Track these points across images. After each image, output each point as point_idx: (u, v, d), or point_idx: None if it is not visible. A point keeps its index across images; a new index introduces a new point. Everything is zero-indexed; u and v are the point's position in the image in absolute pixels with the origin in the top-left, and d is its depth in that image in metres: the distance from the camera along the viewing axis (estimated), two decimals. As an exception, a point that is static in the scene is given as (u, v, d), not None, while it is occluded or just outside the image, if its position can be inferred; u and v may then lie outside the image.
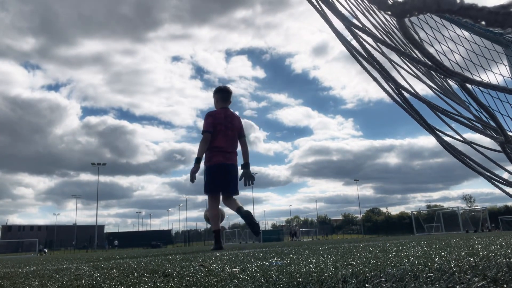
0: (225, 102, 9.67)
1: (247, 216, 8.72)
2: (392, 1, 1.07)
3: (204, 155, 9.22)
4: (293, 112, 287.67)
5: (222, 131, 9.26)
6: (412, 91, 2.13)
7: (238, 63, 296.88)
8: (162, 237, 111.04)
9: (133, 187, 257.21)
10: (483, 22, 1.02)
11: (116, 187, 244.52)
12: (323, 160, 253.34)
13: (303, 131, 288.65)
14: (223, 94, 9.72)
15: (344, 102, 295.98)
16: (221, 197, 9.33)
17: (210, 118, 9.28)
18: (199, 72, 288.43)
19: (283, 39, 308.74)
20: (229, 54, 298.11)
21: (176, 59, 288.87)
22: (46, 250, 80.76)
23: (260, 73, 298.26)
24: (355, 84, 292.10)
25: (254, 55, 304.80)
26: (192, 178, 8.98)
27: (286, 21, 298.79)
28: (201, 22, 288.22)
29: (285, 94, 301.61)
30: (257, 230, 8.66)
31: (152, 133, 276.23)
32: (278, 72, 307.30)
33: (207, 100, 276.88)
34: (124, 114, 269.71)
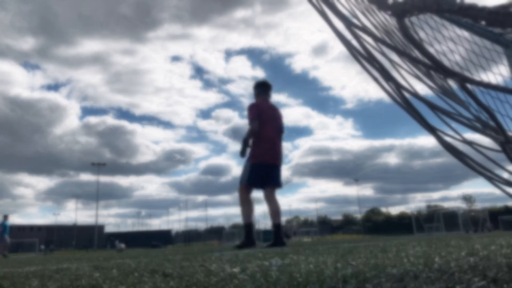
0: (266, 95, 9.64)
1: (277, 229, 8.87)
2: (392, 1, 1.08)
3: (251, 146, 9.16)
4: (293, 112, 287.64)
5: (268, 121, 9.18)
6: (413, 91, 2.13)
7: (238, 63, 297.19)
8: (162, 237, 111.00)
9: (133, 187, 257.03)
10: (483, 22, 1.02)
11: (116, 187, 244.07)
12: (323, 160, 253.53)
13: (303, 131, 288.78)
14: (262, 87, 9.73)
15: (344, 102, 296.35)
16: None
17: (255, 108, 9.21)
18: (198, 72, 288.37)
19: (283, 39, 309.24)
20: (228, 54, 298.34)
21: (175, 59, 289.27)
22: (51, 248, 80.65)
23: (260, 73, 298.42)
24: (354, 84, 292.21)
25: (254, 55, 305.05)
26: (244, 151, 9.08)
27: (286, 21, 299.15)
28: (201, 22, 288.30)
29: (285, 94, 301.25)
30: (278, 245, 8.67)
31: (152, 133, 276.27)
32: (278, 72, 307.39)
33: (206, 100, 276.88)
34: (124, 114, 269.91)
